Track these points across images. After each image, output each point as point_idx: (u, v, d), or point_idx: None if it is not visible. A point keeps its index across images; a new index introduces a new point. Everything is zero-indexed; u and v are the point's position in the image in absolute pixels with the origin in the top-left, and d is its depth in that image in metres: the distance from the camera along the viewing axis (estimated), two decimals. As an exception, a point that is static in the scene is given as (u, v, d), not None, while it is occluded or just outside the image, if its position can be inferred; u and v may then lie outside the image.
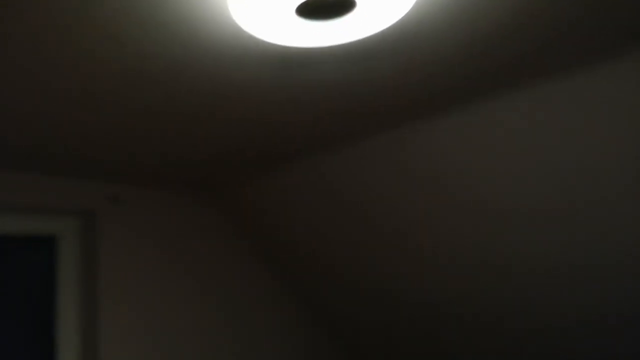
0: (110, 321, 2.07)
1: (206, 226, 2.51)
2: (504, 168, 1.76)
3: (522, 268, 1.98)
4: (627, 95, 1.43)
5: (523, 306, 2.08)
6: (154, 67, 1.19)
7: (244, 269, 2.62)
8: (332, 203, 2.27)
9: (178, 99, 1.40)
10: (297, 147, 1.95)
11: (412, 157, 1.91)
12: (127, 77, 1.23)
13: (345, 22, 0.97)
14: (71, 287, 2.12)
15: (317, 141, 1.90)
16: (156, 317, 2.21)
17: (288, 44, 1.03)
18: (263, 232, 2.63)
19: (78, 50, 1.07)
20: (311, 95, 1.45)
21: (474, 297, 2.19)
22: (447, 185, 1.92)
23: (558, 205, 1.75)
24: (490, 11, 1.08)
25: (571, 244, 1.82)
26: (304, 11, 0.90)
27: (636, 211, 1.63)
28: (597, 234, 1.75)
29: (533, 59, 1.33)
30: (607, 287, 1.85)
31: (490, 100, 1.60)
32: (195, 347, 2.32)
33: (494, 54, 1.29)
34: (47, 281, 2.10)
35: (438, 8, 1.04)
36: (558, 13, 1.10)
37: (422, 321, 2.48)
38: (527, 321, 2.11)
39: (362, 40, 1.14)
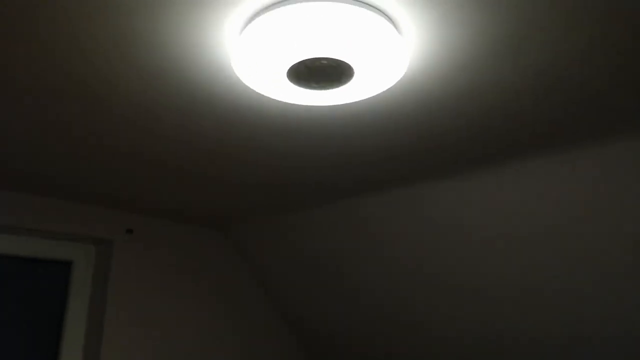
0: (112, 346, 2.08)
1: (215, 259, 2.55)
2: (503, 231, 1.78)
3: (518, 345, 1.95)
4: (618, 174, 1.46)
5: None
6: (160, 114, 1.25)
7: (250, 303, 2.64)
8: (328, 251, 2.29)
9: (188, 146, 1.46)
10: (297, 197, 2.00)
11: (400, 217, 1.94)
12: (135, 124, 1.30)
13: (340, 91, 1.03)
14: (80, 310, 2.16)
15: (317, 193, 1.94)
16: (158, 346, 2.22)
17: (287, 100, 1.09)
18: (268, 269, 2.64)
19: (92, 93, 1.14)
20: (310, 150, 1.51)
21: (466, 342, 2.15)
22: (439, 245, 1.94)
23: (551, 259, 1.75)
24: (481, 91, 1.14)
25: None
26: (298, 74, 0.96)
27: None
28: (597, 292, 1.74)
29: (525, 135, 1.38)
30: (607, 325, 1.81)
31: (483, 169, 1.64)
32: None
33: (483, 129, 1.34)
34: (59, 303, 2.14)
35: (428, 80, 1.10)
36: (547, 94, 1.16)
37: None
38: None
39: (357, 103, 1.20)
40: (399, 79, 1.07)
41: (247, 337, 2.57)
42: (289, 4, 0.83)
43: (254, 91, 1.14)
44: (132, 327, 2.16)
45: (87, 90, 1.14)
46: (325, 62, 0.93)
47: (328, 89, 1.00)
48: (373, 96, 1.17)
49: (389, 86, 1.07)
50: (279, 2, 0.84)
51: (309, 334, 2.70)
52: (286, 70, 0.95)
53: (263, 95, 1.16)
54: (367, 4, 0.85)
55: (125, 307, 2.16)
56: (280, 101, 1.19)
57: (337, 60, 0.93)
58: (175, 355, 2.27)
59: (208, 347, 2.40)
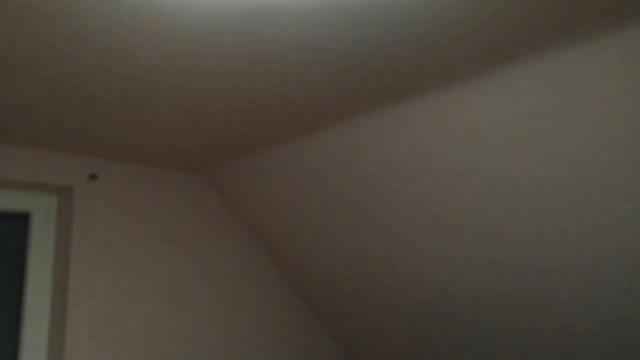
0: (79, 302, 1.95)
1: (187, 203, 2.40)
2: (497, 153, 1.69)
3: (524, 262, 1.88)
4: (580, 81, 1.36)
5: (530, 306, 1.98)
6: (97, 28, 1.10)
7: (225, 248, 2.51)
8: (309, 187, 2.18)
9: (138, 65, 1.31)
10: (273, 128, 1.86)
11: (391, 140, 1.83)
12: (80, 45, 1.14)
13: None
14: (43, 265, 2.01)
15: (295, 120, 1.81)
16: (132, 300, 2.10)
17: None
18: (246, 211, 2.53)
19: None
20: (278, 59, 1.37)
21: (473, 296, 2.09)
22: (431, 172, 1.84)
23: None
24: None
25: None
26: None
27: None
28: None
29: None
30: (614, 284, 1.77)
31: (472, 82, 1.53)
32: (168, 330, 2.18)
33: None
34: (19, 258, 1.98)
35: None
36: None
37: (415, 315, 2.39)
38: (534, 321, 2.01)
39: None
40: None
41: (228, 283, 2.47)
42: None
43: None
44: (103, 282, 2.02)
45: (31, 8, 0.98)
46: None
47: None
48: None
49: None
50: None
51: (298, 273, 2.64)
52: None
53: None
54: None
55: (93, 261, 2.01)
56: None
57: None
58: (151, 311, 2.15)
59: (187, 298, 2.29)
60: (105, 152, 2.03)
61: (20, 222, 2.01)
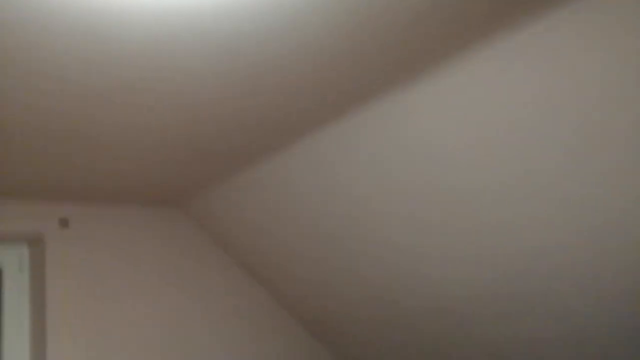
0: (58, 356, 1.85)
1: (164, 238, 2.33)
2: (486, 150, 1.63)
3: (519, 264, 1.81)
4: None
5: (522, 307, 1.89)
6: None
7: (210, 279, 2.41)
8: (286, 205, 2.11)
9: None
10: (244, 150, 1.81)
11: (361, 145, 1.77)
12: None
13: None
14: (18, 320, 1.91)
15: (263, 137, 1.76)
16: (111, 346, 1.99)
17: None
18: (227, 238, 2.45)
19: None
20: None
21: (475, 315, 2.01)
22: (416, 174, 1.78)
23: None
24: None
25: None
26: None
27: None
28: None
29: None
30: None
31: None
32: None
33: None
34: None
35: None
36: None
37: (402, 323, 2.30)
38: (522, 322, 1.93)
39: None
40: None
41: (217, 316, 2.37)
42: None
43: None
44: (83, 332, 1.92)
45: None
46: None
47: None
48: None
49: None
50: None
51: (290, 295, 2.55)
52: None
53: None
54: None
55: (71, 311, 1.92)
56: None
57: None
58: (137, 355, 2.04)
59: (173, 337, 2.18)
60: (75, 195, 1.97)
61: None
